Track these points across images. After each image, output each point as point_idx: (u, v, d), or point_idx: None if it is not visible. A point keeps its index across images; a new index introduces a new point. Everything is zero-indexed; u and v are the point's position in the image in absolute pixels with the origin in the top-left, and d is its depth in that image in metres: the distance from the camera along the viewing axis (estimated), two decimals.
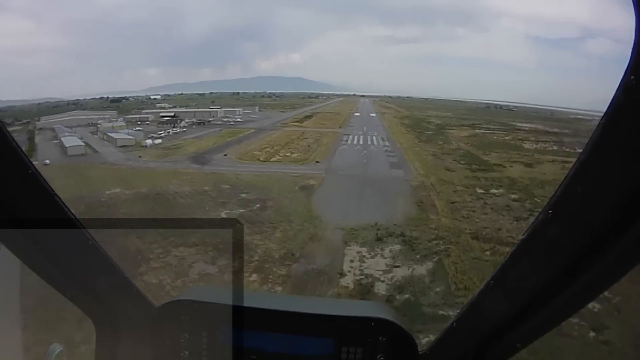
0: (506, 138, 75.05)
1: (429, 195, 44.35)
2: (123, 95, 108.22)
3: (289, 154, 61.46)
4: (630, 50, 1.08)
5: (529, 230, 1.59)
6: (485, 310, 2.00)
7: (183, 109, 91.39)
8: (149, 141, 64.76)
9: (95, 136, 67.55)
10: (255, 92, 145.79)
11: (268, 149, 63.58)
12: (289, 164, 56.05)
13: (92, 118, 77.34)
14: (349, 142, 70.50)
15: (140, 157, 58.18)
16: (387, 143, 70.21)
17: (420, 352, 2.46)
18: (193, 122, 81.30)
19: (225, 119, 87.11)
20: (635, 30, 1.05)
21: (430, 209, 40.07)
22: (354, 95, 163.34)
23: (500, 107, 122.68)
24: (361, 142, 70.64)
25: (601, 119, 1.21)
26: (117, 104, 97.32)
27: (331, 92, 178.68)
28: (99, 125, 71.68)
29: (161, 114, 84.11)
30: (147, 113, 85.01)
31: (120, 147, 61.16)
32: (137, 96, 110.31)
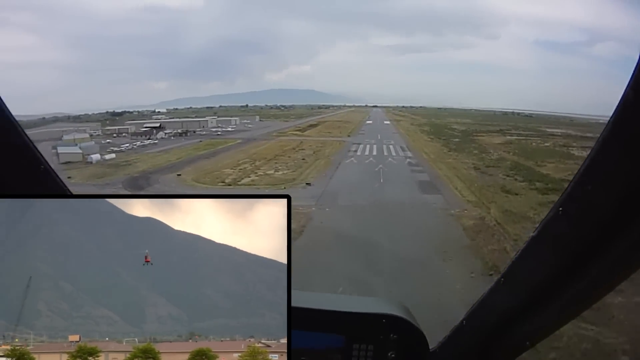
0: (547, 144, 58.64)
1: (503, 247, 20.64)
2: (128, 110, 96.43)
3: (271, 172, 40.33)
4: None
5: (539, 227, 1.42)
6: (495, 308, 1.81)
7: (175, 119, 79.30)
8: (95, 156, 48.51)
9: (54, 151, 52.72)
10: (265, 105, 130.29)
11: (246, 165, 42.91)
12: (263, 188, 32.16)
13: (65, 131, 64.46)
14: (358, 152, 47.65)
15: (69, 177, 40.50)
16: (409, 153, 47.08)
17: (430, 350, 2.26)
18: (176, 132, 67.86)
19: (214, 129, 73.29)
20: None
21: None
22: (366, 106, 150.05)
23: (518, 114, 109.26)
24: (374, 152, 47.36)
25: (610, 117, 1.10)
26: (115, 118, 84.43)
27: (342, 104, 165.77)
28: (62, 139, 58.95)
29: (145, 125, 71.10)
30: (129, 124, 72.74)
31: (63, 163, 46.26)
32: (142, 110, 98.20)
